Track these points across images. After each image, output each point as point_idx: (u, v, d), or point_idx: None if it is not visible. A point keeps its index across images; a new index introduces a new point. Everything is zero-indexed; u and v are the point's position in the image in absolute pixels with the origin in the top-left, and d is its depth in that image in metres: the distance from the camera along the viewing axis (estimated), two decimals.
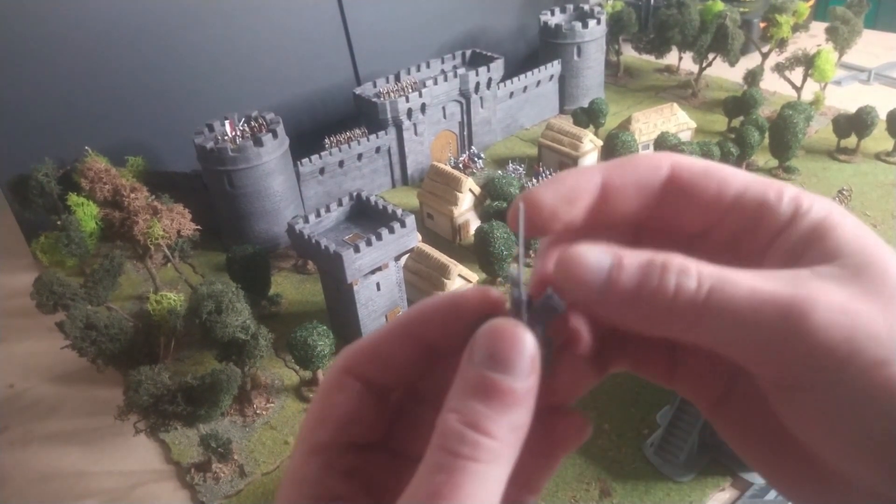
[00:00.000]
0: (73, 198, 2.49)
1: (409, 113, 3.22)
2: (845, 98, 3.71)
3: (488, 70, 3.40)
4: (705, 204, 0.30)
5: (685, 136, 3.33)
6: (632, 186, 0.30)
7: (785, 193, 0.30)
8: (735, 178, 0.30)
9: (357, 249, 2.18)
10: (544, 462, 0.31)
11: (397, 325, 0.31)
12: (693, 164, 0.30)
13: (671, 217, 0.31)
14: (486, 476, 0.25)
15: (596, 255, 0.27)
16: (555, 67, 3.73)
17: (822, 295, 0.26)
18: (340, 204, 2.46)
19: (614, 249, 0.27)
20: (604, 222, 0.31)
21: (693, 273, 0.26)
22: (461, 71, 3.40)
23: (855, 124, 3.14)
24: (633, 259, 0.27)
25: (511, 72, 3.61)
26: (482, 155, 3.46)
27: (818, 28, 4.17)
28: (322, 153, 3.05)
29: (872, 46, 4.19)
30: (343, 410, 0.30)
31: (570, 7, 3.89)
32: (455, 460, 0.25)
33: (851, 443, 0.26)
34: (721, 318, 0.26)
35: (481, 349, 0.27)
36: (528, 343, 0.26)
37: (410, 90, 3.28)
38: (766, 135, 3.09)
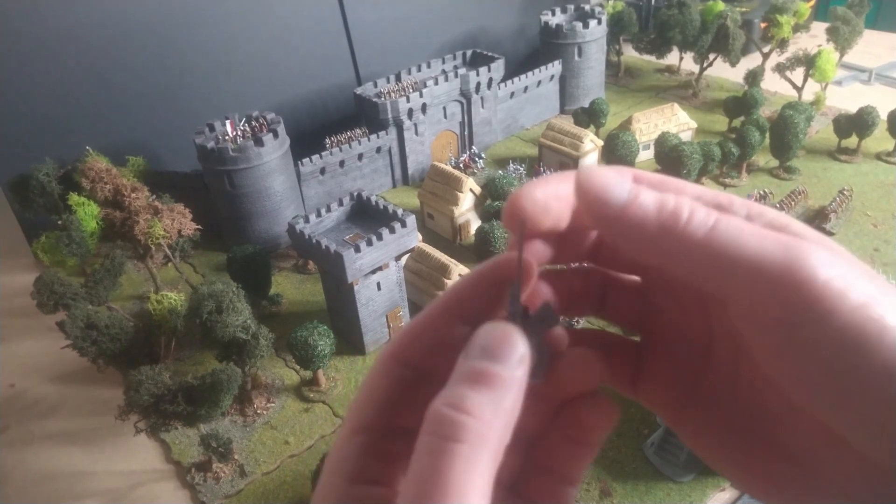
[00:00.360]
0: (73, 197, 2.49)
1: (410, 113, 3.22)
2: (846, 98, 3.71)
3: (489, 70, 3.40)
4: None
5: (686, 136, 3.32)
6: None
7: (735, 201, 0.32)
8: (687, 184, 0.32)
9: (357, 249, 2.18)
10: (579, 450, 0.33)
11: (437, 307, 0.32)
12: (650, 174, 0.32)
13: None
14: (469, 457, 0.25)
15: (617, 177, 0.30)
16: (555, 67, 3.73)
17: (817, 243, 0.28)
18: (341, 204, 2.46)
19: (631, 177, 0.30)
20: (578, 227, 0.33)
21: (704, 207, 0.29)
22: (462, 71, 3.40)
23: (856, 124, 3.14)
24: (650, 190, 0.30)
25: (512, 72, 3.61)
26: (483, 155, 3.46)
27: (819, 28, 4.16)
28: (323, 153, 3.05)
29: (873, 46, 4.19)
30: (386, 394, 0.31)
31: (571, 7, 3.89)
32: (439, 442, 0.25)
33: (833, 386, 0.26)
34: (727, 247, 0.27)
35: (474, 345, 0.28)
36: (517, 338, 0.28)
37: (411, 90, 3.28)
38: (767, 135, 3.09)
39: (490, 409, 0.26)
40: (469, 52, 3.62)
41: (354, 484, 0.29)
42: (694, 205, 0.29)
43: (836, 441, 0.28)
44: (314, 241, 2.24)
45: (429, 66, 3.49)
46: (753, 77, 3.62)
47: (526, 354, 0.28)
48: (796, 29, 3.82)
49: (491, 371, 0.27)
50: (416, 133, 3.31)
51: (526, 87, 3.68)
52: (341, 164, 3.13)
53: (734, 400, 0.33)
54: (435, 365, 0.32)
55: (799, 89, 3.55)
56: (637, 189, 0.29)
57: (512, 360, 0.27)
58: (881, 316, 0.25)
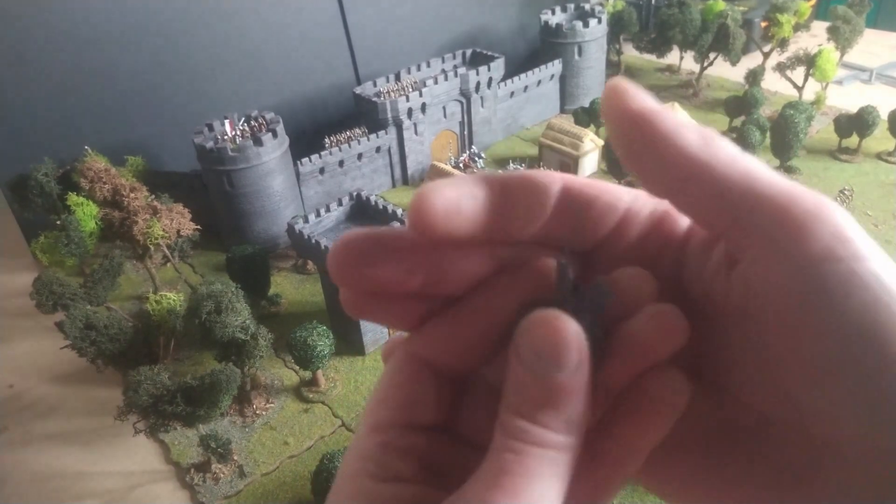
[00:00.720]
0: (72, 198, 2.48)
1: (410, 112, 3.21)
2: (847, 98, 3.71)
3: (489, 69, 3.39)
4: (599, 214, 0.30)
5: None
6: (527, 200, 0.29)
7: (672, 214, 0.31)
8: (621, 190, 0.31)
9: None
10: (649, 430, 0.29)
11: (464, 304, 0.30)
12: (581, 179, 0.30)
13: (566, 232, 0.31)
14: (553, 461, 0.26)
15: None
16: (555, 67, 3.73)
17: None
18: (340, 204, 2.45)
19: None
20: (497, 235, 0.30)
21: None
22: (461, 70, 3.39)
23: (856, 124, 3.14)
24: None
25: (511, 71, 3.61)
26: (483, 154, 3.46)
27: (819, 27, 4.16)
28: (322, 153, 3.04)
29: (874, 46, 4.18)
30: (404, 392, 0.30)
31: (571, 6, 3.89)
32: (523, 446, 0.26)
33: (819, 331, 0.25)
34: (756, 177, 0.27)
35: (526, 346, 0.26)
36: (572, 335, 0.26)
37: (411, 89, 3.28)
38: (768, 134, 3.08)
39: (563, 421, 0.26)
40: (469, 52, 3.62)
41: (382, 482, 0.28)
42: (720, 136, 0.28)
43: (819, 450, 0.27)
44: (313, 241, 2.24)
45: (428, 65, 3.48)
46: (754, 76, 3.62)
47: (584, 347, 0.26)
48: (797, 28, 3.81)
49: (553, 382, 0.26)
50: (416, 133, 3.31)
51: (526, 87, 3.68)
52: (341, 163, 3.13)
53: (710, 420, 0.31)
54: (458, 364, 0.30)
55: (799, 89, 3.54)
56: (645, 96, 0.28)
57: (572, 362, 0.26)
58: None
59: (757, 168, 0.27)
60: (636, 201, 0.31)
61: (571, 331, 0.26)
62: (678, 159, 0.27)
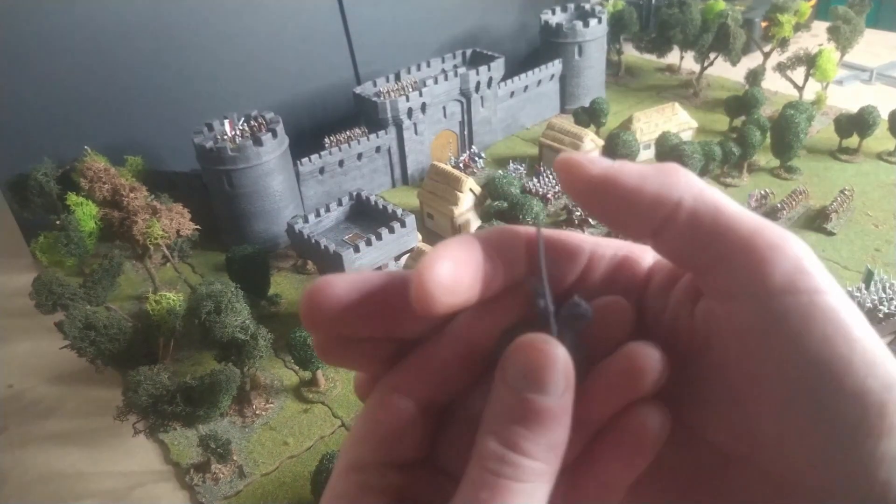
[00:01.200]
0: (72, 197, 2.48)
1: (410, 112, 3.21)
2: (847, 98, 3.70)
3: (489, 69, 3.39)
4: (564, 259, 0.31)
5: (686, 135, 3.31)
6: (506, 256, 0.30)
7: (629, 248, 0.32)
8: (583, 236, 0.32)
9: (357, 249, 2.17)
10: (629, 466, 0.29)
11: (444, 337, 0.30)
12: (547, 231, 0.31)
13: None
14: (530, 493, 0.25)
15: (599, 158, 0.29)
16: (556, 67, 3.72)
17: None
18: (340, 204, 2.45)
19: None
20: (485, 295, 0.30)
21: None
22: (461, 70, 3.39)
23: (857, 124, 3.13)
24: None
25: (512, 71, 3.60)
26: (483, 154, 3.45)
27: (820, 27, 4.15)
28: (322, 153, 3.04)
29: (874, 46, 4.18)
30: (386, 429, 0.29)
31: (571, 6, 3.88)
32: (497, 479, 0.25)
33: (778, 367, 0.26)
34: (720, 214, 0.27)
35: (514, 368, 0.26)
36: (561, 360, 0.26)
37: (411, 89, 3.27)
38: (768, 134, 3.08)
39: (545, 447, 0.25)
40: (469, 51, 3.61)
41: None
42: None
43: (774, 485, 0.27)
44: (313, 240, 2.23)
45: (428, 65, 3.48)
46: (754, 76, 3.61)
47: (571, 373, 0.26)
48: (797, 28, 3.81)
49: (539, 406, 0.25)
50: (416, 132, 3.30)
51: (526, 87, 3.67)
52: (340, 163, 3.13)
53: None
54: (441, 396, 0.30)
55: (800, 89, 3.54)
56: (620, 165, 0.29)
57: (558, 386, 0.26)
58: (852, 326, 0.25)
59: (723, 201, 0.27)
60: (598, 246, 0.32)
61: (560, 355, 0.26)
62: (647, 206, 0.27)
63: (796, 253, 0.26)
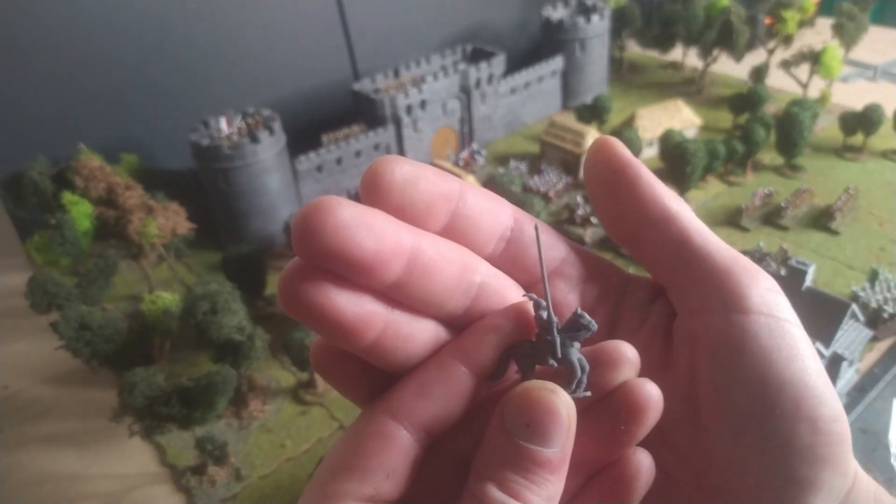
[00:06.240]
0: (67, 196, 2.46)
1: (409, 109, 3.18)
2: (851, 95, 3.67)
3: (489, 65, 3.36)
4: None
5: (690, 132, 3.29)
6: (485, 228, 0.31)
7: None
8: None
9: None
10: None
11: (442, 361, 0.29)
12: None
13: (515, 261, 0.32)
14: None
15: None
16: (557, 63, 3.69)
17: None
18: None
19: None
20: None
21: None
22: (461, 66, 3.36)
23: (861, 122, 3.11)
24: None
25: (512, 67, 3.57)
26: (483, 152, 3.43)
27: (824, 24, 4.11)
28: (319, 150, 3.02)
29: (879, 43, 4.14)
30: (377, 462, 0.27)
31: (573, 2, 3.85)
32: None
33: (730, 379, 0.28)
34: (702, 239, 0.31)
35: (515, 416, 0.26)
36: (564, 411, 0.26)
37: (410, 86, 3.24)
38: (772, 132, 3.05)
39: (545, 496, 0.26)
40: (469, 48, 3.58)
41: None
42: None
43: None
44: None
45: (428, 61, 3.45)
46: (758, 73, 3.58)
47: (573, 423, 0.26)
48: (801, 25, 3.78)
49: (541, 458, 0.25)
50: (415, 130, 3.27)
51: (527, 83, 3.64)
52: (338, 161, 3.10)
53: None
54: (438, 425, 0.28)
55: (804, 86, 3.51)
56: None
57: (561, 438, 0.26)
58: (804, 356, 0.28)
59: (708, 231, 0.31)
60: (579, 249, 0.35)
61: (563, 410, 0.26)
62: (654, 202, 0.30)
63: (770, 283, 0.29)
